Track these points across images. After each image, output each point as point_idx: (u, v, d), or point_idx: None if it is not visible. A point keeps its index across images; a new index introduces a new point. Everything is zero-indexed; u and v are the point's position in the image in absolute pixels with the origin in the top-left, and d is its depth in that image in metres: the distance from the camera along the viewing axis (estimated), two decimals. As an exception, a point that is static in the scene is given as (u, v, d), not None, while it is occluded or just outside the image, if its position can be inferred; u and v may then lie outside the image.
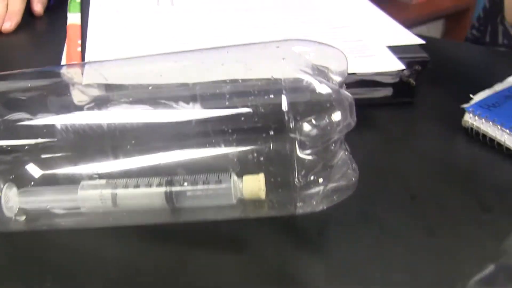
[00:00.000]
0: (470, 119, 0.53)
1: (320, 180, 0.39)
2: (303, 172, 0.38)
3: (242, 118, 0.40)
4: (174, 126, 0.42)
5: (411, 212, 0.44)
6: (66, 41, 0.66)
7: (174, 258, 0.41)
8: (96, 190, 0.40)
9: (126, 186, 0.40)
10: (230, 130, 0.40)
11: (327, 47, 0.42)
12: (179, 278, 0.39)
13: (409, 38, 0.63)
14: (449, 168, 0.49)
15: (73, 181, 0.41)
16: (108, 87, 0.44)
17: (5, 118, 0.41)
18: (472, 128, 0.53)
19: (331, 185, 0.39)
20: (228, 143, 0.40)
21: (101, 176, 0.41)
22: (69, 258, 0.41)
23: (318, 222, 0.43)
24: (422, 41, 0.61)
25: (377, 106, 0.58)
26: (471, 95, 0.55)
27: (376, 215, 0.43)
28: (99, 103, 0.42)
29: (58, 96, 0.44)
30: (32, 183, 0.40)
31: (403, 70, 0.55)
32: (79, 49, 0.63)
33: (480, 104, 0.53)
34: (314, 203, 0.39)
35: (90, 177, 0.41)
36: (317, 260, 0.41)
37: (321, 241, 0.42)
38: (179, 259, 0.41)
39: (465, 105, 0.54)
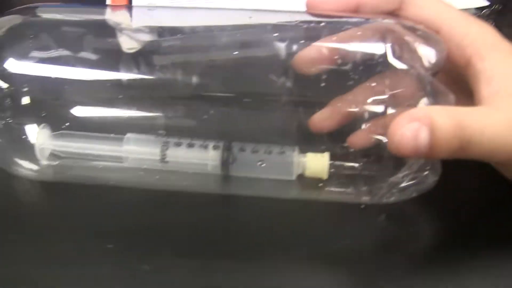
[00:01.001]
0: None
1: (397, 167, 0.38)
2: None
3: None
4: (240, 77, 0.40)
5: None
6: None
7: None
8: (145, 144, 0.39)
9: (178, 144, 0.39)
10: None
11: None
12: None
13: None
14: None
15: (118, 131, 0.40)
16: (161, 31, 0.42)
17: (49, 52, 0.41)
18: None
19: (409, 176, 0.38)
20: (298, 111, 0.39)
21: (151, 128, 0.40)
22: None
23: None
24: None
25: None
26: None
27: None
28: (150, 49, 0.41)
29: (103, 39, 0.43)
30: (67, 124, 0.40)
31: (484, 8, 0.53)
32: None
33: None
34: (386, 193, 0.39)
35: (138, 129, 0.40)
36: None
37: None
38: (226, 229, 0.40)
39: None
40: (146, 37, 0.41)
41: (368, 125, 0.37)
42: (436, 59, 0.37)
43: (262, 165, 0.39)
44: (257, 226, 0.40)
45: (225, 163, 0.38)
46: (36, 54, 0.40)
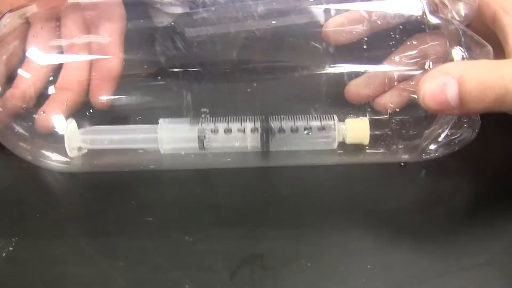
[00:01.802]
0: None
1: (430, 122, 0.38)
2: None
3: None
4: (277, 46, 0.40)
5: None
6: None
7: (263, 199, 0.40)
8: (180, 132, 0.39)
9: (215, 130, 0.38)
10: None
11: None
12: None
13: None
14: None
15: (150, 113, 0.40)
16: (192, 4, 0.41)
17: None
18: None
19: (446, 131, 0.38)
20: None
21: (186, 111, 0.39)
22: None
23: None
24: None
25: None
26: None
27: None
28: (182, 23, 0.40)
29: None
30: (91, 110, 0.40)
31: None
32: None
33: None
34: (429, 147, 0.38)
35: (172, 110, 0.40)
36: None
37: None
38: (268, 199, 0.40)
39: None
40: (178, 10, 0.40)
41: (400, 84, 0.37)
42: (467, 11, 0.37)
43: (302, 140, 0.38)
44: (297, 193, 0.40)
45: (264, 144, 0.38)
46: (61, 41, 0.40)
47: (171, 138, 0.39)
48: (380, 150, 0.39)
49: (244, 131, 0.38)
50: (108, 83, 0.40)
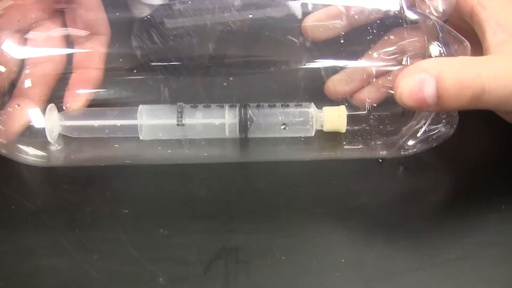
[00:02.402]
0: None
1: (407, 118, 0.38)
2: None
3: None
4: (256, 36, 0.40)
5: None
6: None
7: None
8: (160, 111, 0.38)
9: (194, 106, 0.38)
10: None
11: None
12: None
13: None
14: None
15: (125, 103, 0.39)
16: None
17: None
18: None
19: (424, 127, 0.38)
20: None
21: (165, 97, 0.39)
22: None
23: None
24: None
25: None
26: None
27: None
28: (163, 14, 0.39)
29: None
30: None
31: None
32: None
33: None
34: (407, 143, 0.38)
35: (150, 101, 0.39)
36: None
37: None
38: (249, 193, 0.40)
39: None
40: (157, 1, 0.40)
41: (378, 79, 0.37)
42: (445, 7, 0.37)
43: (282, 127, 0.38)
44: (273, 187, 0.40)
45: (243, 125, 0.38)
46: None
47: (150, 113, 0.39)
48: (358, 145, 0.39)
49: (222, 106, 0.38)
50: (82, 97, 0.39)
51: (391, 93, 0.35)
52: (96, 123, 0.39)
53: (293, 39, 0.39)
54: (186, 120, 0.38)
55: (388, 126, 0.38)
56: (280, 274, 0.34)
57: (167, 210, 0.38)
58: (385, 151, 0.39)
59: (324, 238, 0.36)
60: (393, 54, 0.37)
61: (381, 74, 0.38)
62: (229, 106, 0.38)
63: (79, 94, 0.39)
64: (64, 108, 0.38)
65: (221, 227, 0.37)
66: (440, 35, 0.36)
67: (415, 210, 0.38)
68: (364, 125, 0.38)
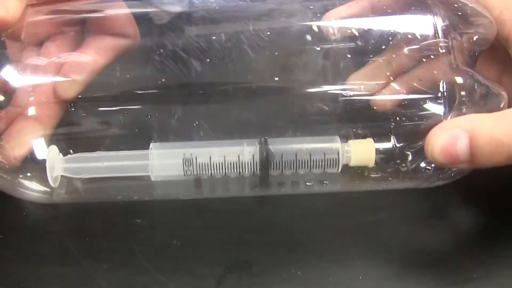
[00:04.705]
0: None
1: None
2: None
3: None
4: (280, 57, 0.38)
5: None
6: None
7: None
8: (175, 155, 0.35)
9: (212, 177, 0.35)
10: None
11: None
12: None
13: None
14: None
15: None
16: (192, 2, 0.38)
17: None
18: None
19: None
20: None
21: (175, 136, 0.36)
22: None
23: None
24: None
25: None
26: None
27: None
28: (181, 22, 0.38)
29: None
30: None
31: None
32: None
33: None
34: (431, 177, 0.36)
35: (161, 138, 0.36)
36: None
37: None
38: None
39: None
40: (176, 8, 0.39)
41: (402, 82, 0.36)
42: (484, 36, 0.36)
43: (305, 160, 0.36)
44: (290, 199, 0.39)
45: (263, 166, 0.35)
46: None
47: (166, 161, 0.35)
48: (384, 178, 0.37)
49: (243, 176, 0.36)
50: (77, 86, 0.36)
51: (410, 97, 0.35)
52: (103, 165, 0.35)
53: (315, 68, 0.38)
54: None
55: (414, 157, 0.37)
56: (295, 289, 0.33)
57: (181, 221, 0.37)
58: (412, 183, 0.37)
59: (341, 253, 0.35)
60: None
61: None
62: (249, 177, 0.36)
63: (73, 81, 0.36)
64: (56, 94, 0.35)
65: (235, 240, 0.36)
66: (478, 88, 0.34)
67: (435, 226, 0.37)
68: (391, 160, 0.37)
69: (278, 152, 0.35)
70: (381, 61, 0.37)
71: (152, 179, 0.35)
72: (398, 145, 0.36)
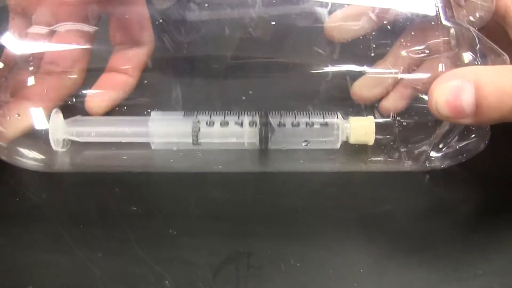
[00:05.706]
0: None
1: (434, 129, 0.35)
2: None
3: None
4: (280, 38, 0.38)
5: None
6: None
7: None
8: (173, 124, 0.37)
9: (210, 123, 0.36)
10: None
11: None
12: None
13: None
14: None
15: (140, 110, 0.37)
16: None
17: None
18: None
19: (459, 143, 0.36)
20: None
21: (176, 105, 0.37)
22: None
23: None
24: None
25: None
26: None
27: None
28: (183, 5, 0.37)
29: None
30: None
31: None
32: None
33: None
34: (428, 157, 0.36)
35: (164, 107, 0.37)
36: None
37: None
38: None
39: None
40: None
41: (406, 83, 0.35)
42: (483, 13, 0.35)
43: (305, 144, 0.36)
44: (291, 190, 0.38)
45: (263, 138, 0.36)
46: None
47: (163, 131, 0.36)
48: (384, 157, 0.37)
49: (241, 124, 0.36)
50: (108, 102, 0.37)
51: (420, 98, 0.34)
52: (104, 130, 0.37)
53: (319, 50, 0.37)
54: (202, 140, 0.36)
55: (414, 137, 0.36)
56: (294, 282, 0.32)
57: (178, 209, 0.36)
58: (411, 163, 0.37)
59: (343, 246, 0.34)
60: (423, 54, 0.35)
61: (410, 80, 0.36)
62: (249, 124, 0.36)
63: (105, 96, 0.37)
64: (86, 108, 0.36)
65: (233, 230, 0.35)
66: (478, 46, 0.33)
67: (440, 221, 0.36)
68: (389, 135, 0.36)
69: (277, 125, 0.36)
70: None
71: (153, 147, 0.37)
72: (399, 124, 0.36)
